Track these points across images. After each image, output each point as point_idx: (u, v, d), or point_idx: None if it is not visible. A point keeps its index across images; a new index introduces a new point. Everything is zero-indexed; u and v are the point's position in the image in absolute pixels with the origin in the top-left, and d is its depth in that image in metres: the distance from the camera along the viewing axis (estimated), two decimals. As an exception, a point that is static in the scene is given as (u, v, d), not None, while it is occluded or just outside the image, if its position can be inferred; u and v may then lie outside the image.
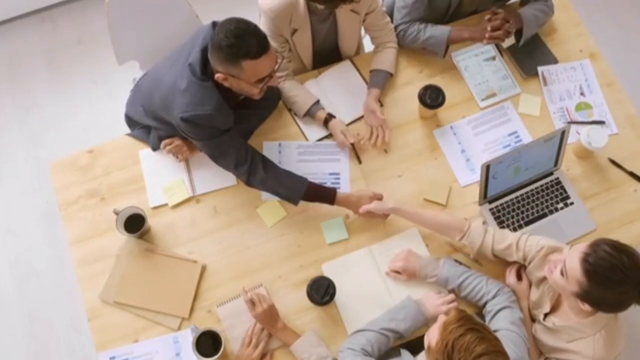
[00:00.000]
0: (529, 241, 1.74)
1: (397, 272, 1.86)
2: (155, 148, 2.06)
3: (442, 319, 1.38)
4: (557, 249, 1.69)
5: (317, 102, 2.09)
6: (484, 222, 1.82)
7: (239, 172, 1.89)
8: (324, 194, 1.91)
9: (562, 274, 1.52)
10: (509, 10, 2.10)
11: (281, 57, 1.79)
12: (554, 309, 1.70)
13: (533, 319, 1.78)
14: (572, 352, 1.62)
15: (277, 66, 1.74)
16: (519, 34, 2.14)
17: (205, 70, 1.74)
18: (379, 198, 1.92)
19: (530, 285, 1.79)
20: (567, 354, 1.64)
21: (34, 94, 3.09)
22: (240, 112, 2.05)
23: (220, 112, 1.77)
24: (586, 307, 1.52)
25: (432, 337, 1.37)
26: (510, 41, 2.19)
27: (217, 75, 1.71)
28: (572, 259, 1.49)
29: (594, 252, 1.46)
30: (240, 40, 1.61)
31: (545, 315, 1.70)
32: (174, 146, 2.01)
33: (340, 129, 2.04)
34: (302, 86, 2.12)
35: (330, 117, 2.06)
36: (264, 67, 1.68)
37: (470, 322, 1.33)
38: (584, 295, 1.49)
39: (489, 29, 2.03)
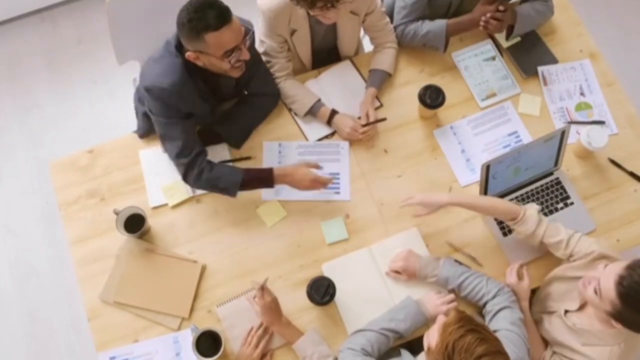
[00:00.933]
0: (580, 242, 1.72)
1: (397, 272, 1.86)
2: (141, 135, 2.08)
3: (441, 320, 1.38)
4: (607, 257, 1.66)
5: (319, 100, 2.09)
6: (539, 212, 1.80)
7: (178, 162, 1.88)
8: (262, 177, 1.90)
9: (595, 292, 1.51)
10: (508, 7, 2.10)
11: (251, 28, 1.76)
12: (580, 307, 1.68)
13: (546, 312, 1.78)
14: (584, 356, 1.62)
15: (246, 39, 1.72)
16: (511, 29, 2.13)
17: (180, 48, 1.76)
18: (316, 167, 1.94)
19: (530, 285, 1.79)
20: (577, 356, 1.64)
21: (34, 94, 3.09)
22: (239, 109, 2.06)
23: (179, 92, 1.76)
24: (619, 326, 1.51)
25: (431, 338, 1.37)
26: (510, 41, 2.19)
27: (187, 54, 1.71)
28: (606, 280, 1.48)
29: (629, 276, 1.45)
30: (199, 13, 1.62)
31: (566, 312, 1.70)
32: None
33: (349, 125, 2.03)
34: (303, 85, 2.12)
35: (334, 112, 2.06)
36: (228, 38, 1.67)
37: (470, 323, 1.33)
38: (616, 316, 1.49)
39: (487, 15, 2.02)
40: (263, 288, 1.75)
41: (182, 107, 1.82)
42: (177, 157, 1.87)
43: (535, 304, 1.85)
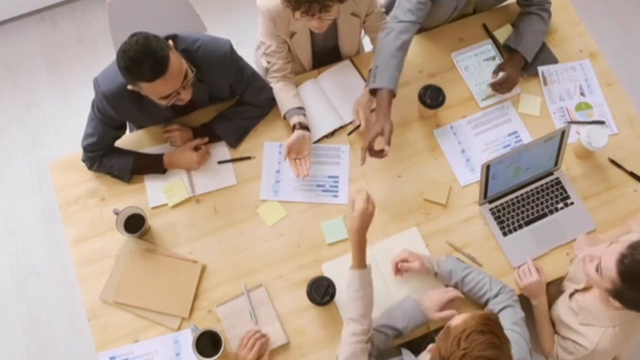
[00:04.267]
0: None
1: (404, 262, 1.84)
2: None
3: (474, 312, 1.37)
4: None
5: (292, 109, 2.02)
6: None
7: (83, 149, 1.98)
8: (152, 164, 2.00)
9: (597, 270, 1.52)
10: (508, 62, 2.12)
11: (192, 71, 1.74)
12: (586, 288, 1.71)
13: (561, 291, 1.82)
14: (579, 335, 1.65)
15: (186, 82, 1.71)
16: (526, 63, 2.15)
17: None
18: (201, 143, 1.99)
19: (545, 279, 1.84)
20: (573, 334, 1.67)
21: (34, 94, 3.09)
22: (237, 109, 2.06)
23: (111, 101, 1.80)
24: (616, 304, 1.53)
25: (455, 320, 1.36)
26: (509, 39, 2.18)
27: (128, 86, 1.71)
28: (608, 258, 1.50)
29: (630, 255, 1.46)
30: (134, 63, 1.59)
31: (575, 292, 1.72)
32: (172, 131, 2.03)
33: (287, 142, 1.97)
34: (290, 89, 2.07)
35: (300, 126, 1.98)
36: (162, 89, 1.66)
37: (496, 326, 1.32)
38: (615, 294, 1.51)
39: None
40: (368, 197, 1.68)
41: (114, 114, 1.86)
42: (83, 147, 1.97)
43: (553, 286, 1.89)
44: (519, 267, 1.89)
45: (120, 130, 1.99)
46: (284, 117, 2.05)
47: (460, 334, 1.30)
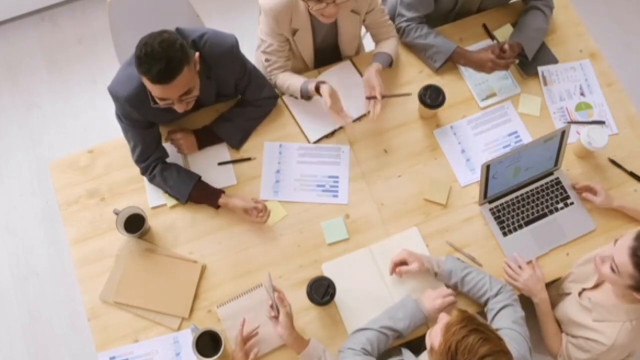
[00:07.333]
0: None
1: (403, 264, 1.84)
2: None
3: (444, 319, 1.37)
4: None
5: (307, 80, 2.04)
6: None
7: (136, 163, 1.96)
8: (208, 197, 1.96)
9: (612, 270, 1.52)
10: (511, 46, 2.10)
11: (197, 90, 1.72)
12: (596, 285, 1.71)
13: (563, 293, 1.81)
14: (594, 331, 1.64)
15: (184, 96, 1.68)
16: (525, 56, 2.14)
17: None
18: (257, 207, 1.91)
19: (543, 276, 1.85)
20: (587, 332, 1.66)
21: (34, 94, 3.09)
22: (238, 110, 2.06)
23: (132, 103, 1.78)
24: None
25: (434, 338, 1.37)
26: (511, 37, 2.18)
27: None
28: (620, 255, 1.50)
29: None
30: (146, 59, 1.57)
31: (583, 290, 1.72)
32: (176, 140, 2.03)
33: (327, 92, 1.95)
34: (292, 74, 2.09)
35: (320, 83, 1.99)
36: (159, 92, 1.64)
37: (473, 322, 1.33)
38: (638, 287, 1.50)
39: (491, 56, 2.07)
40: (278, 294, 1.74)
41: (138, 116, 1.84)
42: (135, 161, 1.95)
43: (552, 288, 1.88)
44: (505, 271, 1.89)
45: (154, 128, 1.94)
46: (301, 96, 2.04)
47: (447, 350, 1.30)
